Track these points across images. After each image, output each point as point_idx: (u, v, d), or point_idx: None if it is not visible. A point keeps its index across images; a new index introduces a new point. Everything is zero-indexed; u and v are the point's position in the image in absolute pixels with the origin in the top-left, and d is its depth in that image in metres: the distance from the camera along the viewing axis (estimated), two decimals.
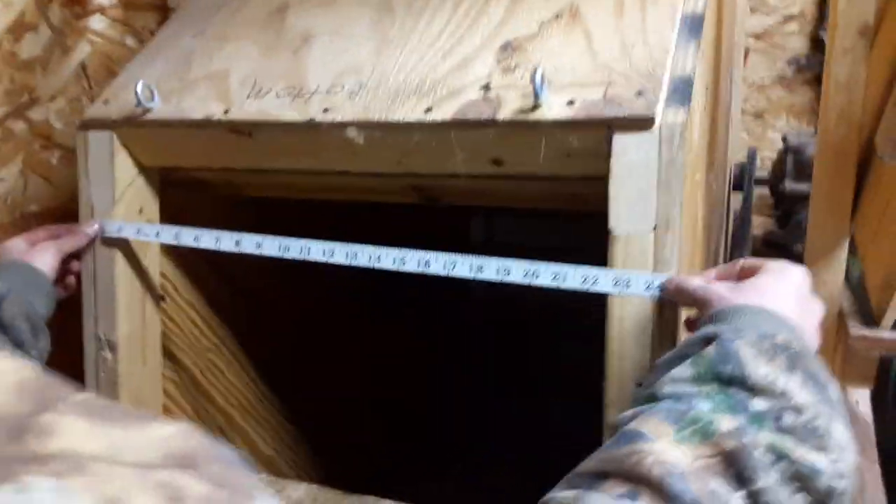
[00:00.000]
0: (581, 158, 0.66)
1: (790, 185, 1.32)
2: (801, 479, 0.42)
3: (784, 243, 1.40)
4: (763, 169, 1.43)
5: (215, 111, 0.78)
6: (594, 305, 0.66)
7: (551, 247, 0.65)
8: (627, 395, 0.62)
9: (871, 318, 0.96)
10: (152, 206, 0.89)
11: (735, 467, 0.42)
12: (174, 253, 0.94)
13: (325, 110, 0.73)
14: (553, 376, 1.89)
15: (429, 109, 0.69)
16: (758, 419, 0.44)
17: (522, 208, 0.78)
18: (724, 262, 1.27)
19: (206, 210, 1.01)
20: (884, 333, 0.96)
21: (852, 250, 1.01)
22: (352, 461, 1.36)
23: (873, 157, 0.91)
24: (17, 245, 0.80)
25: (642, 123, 0.61)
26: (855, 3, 0.82)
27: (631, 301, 0.62)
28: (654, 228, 0.61)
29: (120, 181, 0.84)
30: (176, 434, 0.25)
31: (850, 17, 0.84)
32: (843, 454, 0.44)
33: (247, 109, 0.77)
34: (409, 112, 0.69)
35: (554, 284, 0.63)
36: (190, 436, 0.25)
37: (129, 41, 1.14)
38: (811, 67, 1.62)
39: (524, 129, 0.65)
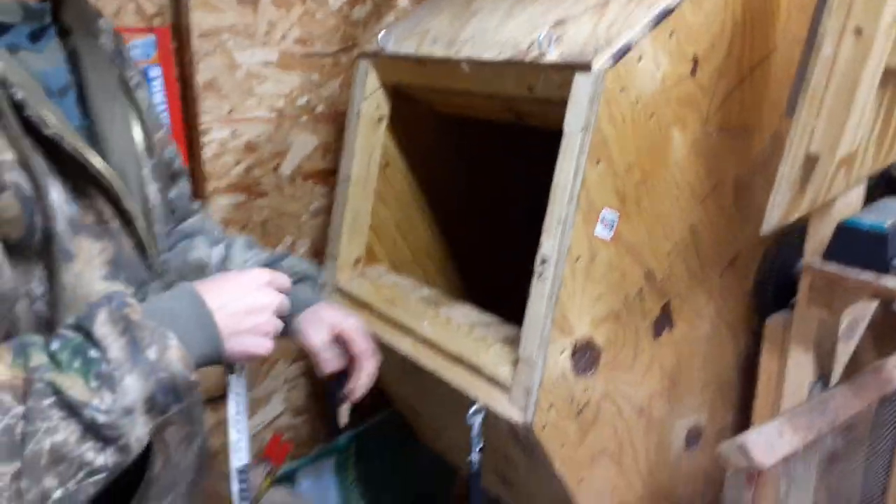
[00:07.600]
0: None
1: None
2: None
3: None
4: None
5: (413, 51, 1.34)
6: None
7: None
8: None
9: None
10: (385, 107, 1.50)
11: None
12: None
13: (457, 51, 1.24)
14: None
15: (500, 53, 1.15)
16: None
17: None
18: None
19: (423, 122, 1.60)
20: None
21: None
22: None
23: None
24: None
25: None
26: None
27: None
28: None
29: (368, 90, 1.46)
30: None
31: None
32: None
33: (427, 50, 1.31)
34: (494, 56, 1.17)
35: None
36: None
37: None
38: None
39: (533, 69, 1.08)
